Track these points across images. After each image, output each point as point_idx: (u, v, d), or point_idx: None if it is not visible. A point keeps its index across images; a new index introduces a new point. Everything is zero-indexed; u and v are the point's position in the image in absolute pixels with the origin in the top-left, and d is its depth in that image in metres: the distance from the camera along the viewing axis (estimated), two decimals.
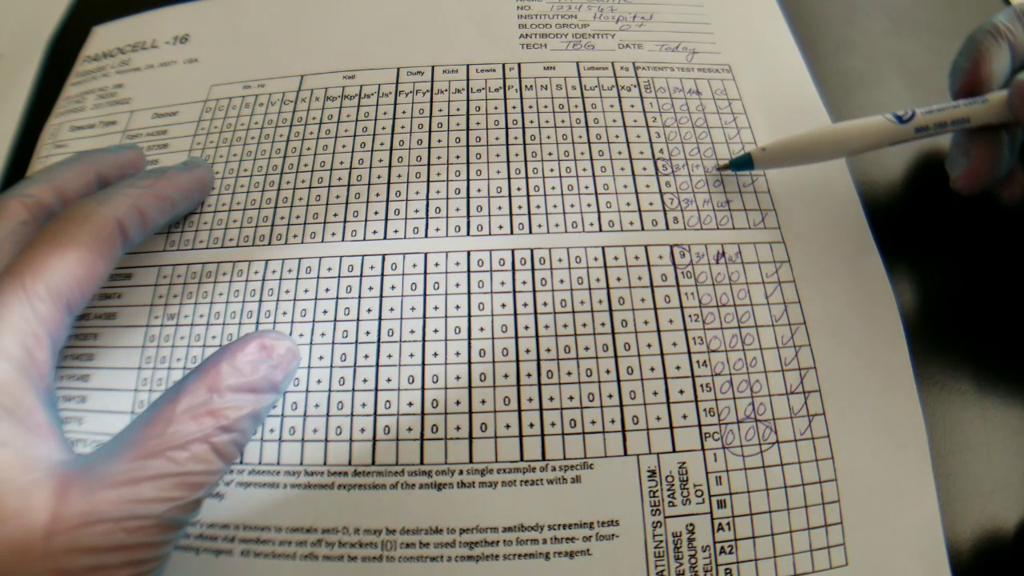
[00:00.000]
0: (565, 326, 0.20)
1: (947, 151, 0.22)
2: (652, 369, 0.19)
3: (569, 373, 0.19)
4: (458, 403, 0.19)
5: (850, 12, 0.28)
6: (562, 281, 0.21)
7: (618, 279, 0.21)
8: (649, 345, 0.20)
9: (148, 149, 0.25)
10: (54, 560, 0.13)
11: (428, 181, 0.23)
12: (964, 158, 0.20)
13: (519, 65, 0.25)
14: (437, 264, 0.21)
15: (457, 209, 0.22)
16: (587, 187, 0.22)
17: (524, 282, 0.21)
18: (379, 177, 0.23)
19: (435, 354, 0.20)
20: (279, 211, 0.23)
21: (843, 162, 0.23)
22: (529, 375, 0.19)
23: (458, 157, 0.23)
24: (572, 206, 0.22)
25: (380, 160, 0.23)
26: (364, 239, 0.22)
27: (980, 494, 0.19)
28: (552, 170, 0.23)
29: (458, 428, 0.19)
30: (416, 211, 0.22)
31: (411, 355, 0.20)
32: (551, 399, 0.19)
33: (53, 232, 0.17)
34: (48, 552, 0.13)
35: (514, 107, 0.24)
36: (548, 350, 0.20)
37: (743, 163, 0.22)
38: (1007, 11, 0.21)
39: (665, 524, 0.18)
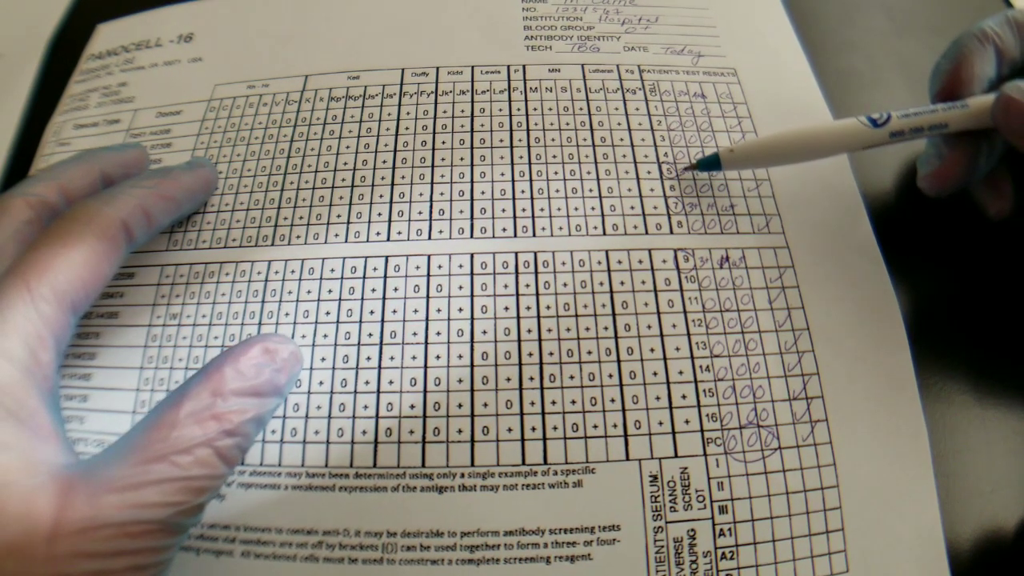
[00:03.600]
0: (568, 330, 0.20)
1: None
2: (655, 374, 0.19)
3: (572, 377, 0.19)
4: (460, 406, 0.19)
5: (850, 12, 0.28)
6: (565, 284, 0.21)
7: (621, 283, 0.21)
8: (652, 350, 0.20)
9: (152, 148, 0.25)
10: (57, 564, 0.13)
11: (432, 183, 0.23)
12: (936, 159, 0.20)
13: (524, 67, 0.25)
14: (440, 266, 0.21)
15: (461, 211, 0.22)
16: (591, 190, 0.22)
17: (527, 285, 0.21)
18: (383, 178, 0.23)
19: (437, 356, 0.20)
20: (282, 211, 0.23)
21: (847, 168, 0.23)
22: (532, 378, 0.19)
23: (462, 159, 0.23)
24: (576, 209, 0.22)
25: (384, 161, 0.23)
26: (367, 240, 0.22)
27: (980, 494, 0.19)
28: (556, 173, 0.23)
29: (460, 431, 0.19)
30: (419, 213, 0.22)
31: (413, 357, 0.20)
32: (553, 403, 0.19)
33: (58, 232, 0.17)
34: (51, 556, 0.13)
35: (518, 109, 0.24)
36: (551, 353, 0.20)
37: (710, 163, 0.21)
38: (997, 16, 0.20)
39: (666, 529, 0.18)
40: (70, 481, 0.14)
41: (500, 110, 0.24)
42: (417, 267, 0.21)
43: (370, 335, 0.20)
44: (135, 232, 0.18)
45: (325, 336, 0.20)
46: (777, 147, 0.21)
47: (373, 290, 0.21)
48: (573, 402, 0.19)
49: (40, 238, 0.17)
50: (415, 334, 0.20)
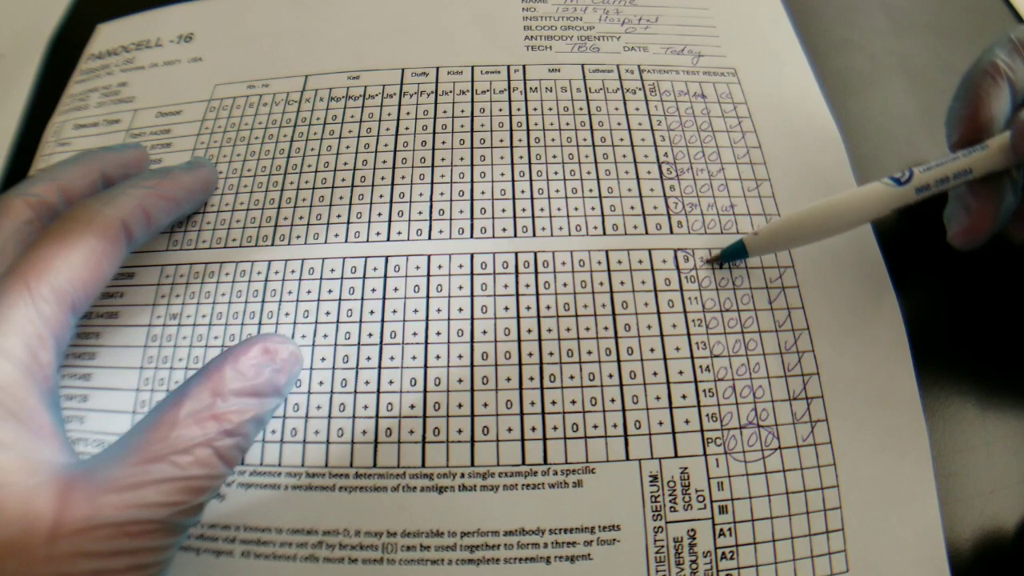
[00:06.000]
0: (568, 330, 0.20)
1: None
2: (655, 374, 0.19)
3: (572, 377, 0.19)
4: (460, 406, 0.19)
5: (850, 12, 0.28)
6: (565, 284, 0.21)
7: (621, 283, 0.21)
8: (652, 350, 0.20)
9: (152, 148, 0.25)
10: (57, 564, 0.13)
11: (432, 183, 0.23)
12: (964, 213, 0.19)
13: (524, 67, 0.25)
14: (440, 266, 0.21)
15: (460, 211, 0.22)
16: (591, 190, 0.22)
17: (527, 285, 0.21)
18: (383, 178, 0.23)
19: (437, 356, 0.20)
20: (282, 211, 0.23)
21: (847, 167, 0.23)
22: (532, 378, 0.19)
23: (462, 159, 0.23)
24: (576, 209, 0.22)
25: (384, 161, 0.23)
26: (367, 240, 0.22)
27: (980, 494, 0.19)
28: (556, 173, 0.23)
29: (460, 431, 0.19)
30: (419, 213, 0.22)
31: (413, 357, 0.20)
32: (553, 403, 0.19)
33: (58, 232, 0.17)
34: (51, 556, 0.13)
35: (518, 109, 0.24)
36: (551, 353, 0.20)
37: (735, 252, 0.20)
38: (1003, 43, 0.19)
39: (666, 529, 0.18)
40: (70, 481, 0.14)
41: (500, 110, 0.24)
42: (417, 267, 0.21)
43: (370, 335, 0.20)
44: (135, 232, 0.18)
45: (325, 336, 0.20)
46: (803, 226, 0.19)
47: (373, 290, 0.21)
48: (573, 402, 0.19)
49: (40, 238, 0.17)
50: (415, 334, 0.20)
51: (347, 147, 0.24)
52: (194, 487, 0.15)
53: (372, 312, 0.21)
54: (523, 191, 0.22)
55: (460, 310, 0.20)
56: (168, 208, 0.20)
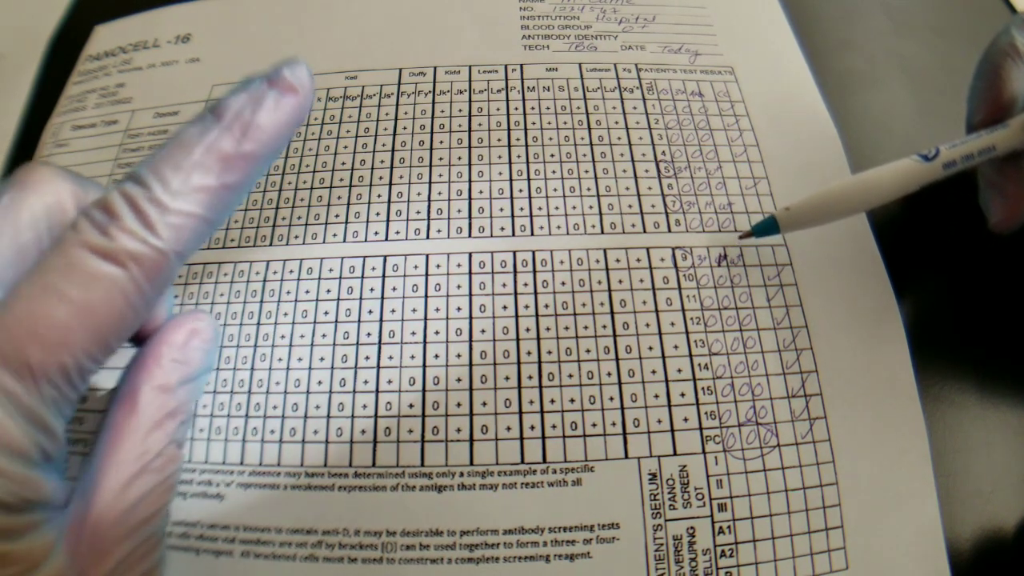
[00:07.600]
0: (566, 328, 0.20)
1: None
2: (653, 372, 0.19)
3: (570, 376, 0.19)
4: (459, 405, 0.19)
5: (850, 12, 0.28)
6: (564, 283, 0.21)
7: (620, 281, 0.21)
8: (650, 348, 0.20)
9: (149, 148, 0.25)
10: None
11: (430, 182, 0.23)
12: (999, 197, 0.19)
13: (521, 66, 0.25)
14: (439, 266, 0.21)
15: (459, 211, 0.22)
16: (589, 189, 0.22)
17: (526, 284, 0.21)
18: (381, 178, 0.23)
19: (436, 356, 0.20)
20: (280, 211, 0.23)
21: (845, 165, 0.23)
22: (530, 377, 0.19)
23: (460, 158, 0.23)
24: (574, 208, 0.22)
25: (382, 161, 0.23)
26: (366, 240, 0.22)
27: (980, 494, 0.19)
28: (554, 172, 0.23)
29: (459, 430, 0.19)
30: (418, 212, 0.22)
31: (412, 357, 0.20)
32: (552, 401, 0.19)
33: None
34: None
35: (516, 108, 0.24)
36: (549, 352, 0.20)
37: (767, 228, 0.20)
38: (1021, 24, 0.20)
39: (666, 527, 0.18)
40: (77, 532, 0.13)
41: (498, 109, 0.24)
42: (415, 266, 0.21)
43: (368, 335, 0.20)
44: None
45: (323, 336, 0.20)
46: (833, 201, 0.19)
47: (371, 290, 0.21)
48: (572, 400, 0.19)
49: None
50: (413, 333, 0.20)
51: (345, 147, 0.24)
52: (170, 483, 0.15)
53: (370, 312, 0.21)
54: (521, 190, 0.22)
55: (458, 309, 0.20)
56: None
